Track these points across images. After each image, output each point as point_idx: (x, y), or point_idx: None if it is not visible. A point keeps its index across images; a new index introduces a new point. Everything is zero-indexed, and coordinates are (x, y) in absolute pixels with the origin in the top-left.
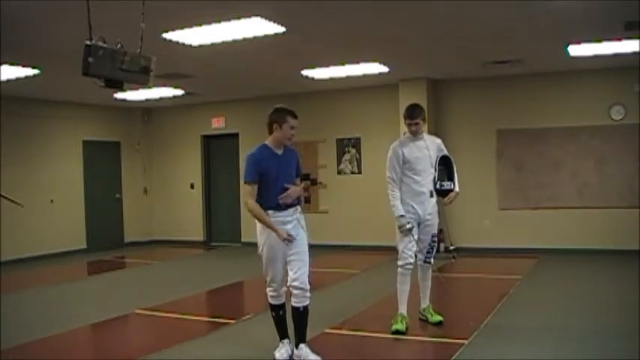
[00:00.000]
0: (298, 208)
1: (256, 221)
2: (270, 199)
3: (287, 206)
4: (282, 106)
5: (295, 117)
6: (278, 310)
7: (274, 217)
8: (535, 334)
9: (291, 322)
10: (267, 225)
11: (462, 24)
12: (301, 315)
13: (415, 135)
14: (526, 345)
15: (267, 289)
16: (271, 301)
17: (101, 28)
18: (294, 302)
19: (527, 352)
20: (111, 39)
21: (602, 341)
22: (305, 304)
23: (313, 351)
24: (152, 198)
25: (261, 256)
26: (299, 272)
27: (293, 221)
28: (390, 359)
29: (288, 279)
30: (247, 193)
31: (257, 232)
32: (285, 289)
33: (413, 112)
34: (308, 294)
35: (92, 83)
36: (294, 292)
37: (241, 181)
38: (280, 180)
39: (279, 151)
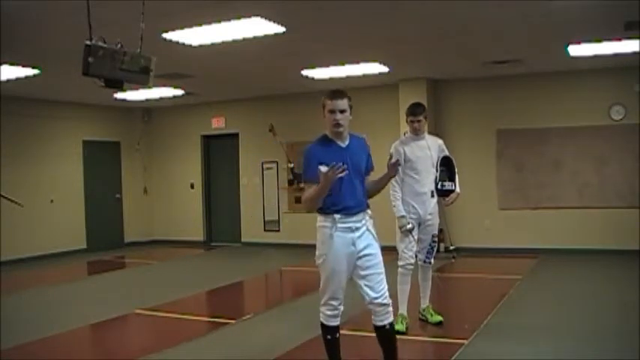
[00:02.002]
0: (368, 211)
1: (317, 226)
2: (336, 202)
3: (356, 210)
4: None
5: (333, 97)
6: (334, 333)
7: (341, 223)
8: (535, 334)
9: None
10: (318, 194)
11: (462, 24)
12: (389, 334)
13: (417, 133)
14: (526, 345)
15: (323, 307)
16: (326, 321)
17: (101, 28)
18: (378, 321)
19: (527, 352)
20: (111, 39)
21: (602, 341)
22: (390, 320)
23: None
24: (152, 198)
25: (319, 268)
26: (379, 287)
27: (362, 228)
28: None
29: (367, 297)
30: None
31: (317, 239)
32: (343, 307)
33: (416, 109)
34: (390, 308)
35: (92, 83)
36: (377, 309)
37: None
38: (347, 178)
39: (343, 143)
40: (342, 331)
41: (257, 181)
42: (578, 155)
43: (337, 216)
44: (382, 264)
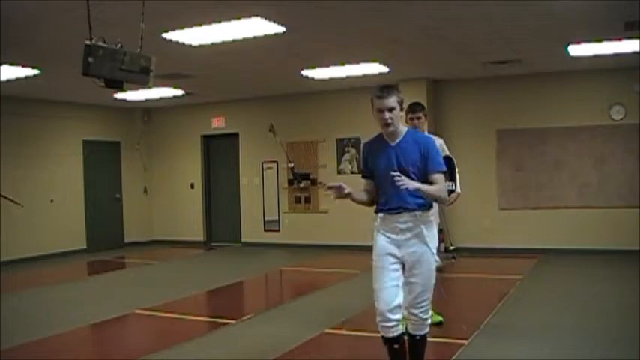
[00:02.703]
0: (420, 214)
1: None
2: (382, 201)
3: (399, 211)
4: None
5: (380, 96)
6: (392, 344)
7: (384, 224)
8: (535, 333)
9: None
10: (352, 199)
11: (461, 24)
12: (417, 344)
13: (416, 130)
14: (526, 345)
15: (377, 316)
16: (382, 332)
17: (101, 28)
18: (410, 329)
19: (527, 352)
20: (111, 39)
21: (602, 341)
22: (423, 332)
23: None
24: (152, 198)
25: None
26: (419, 298)
27: (408, 231)
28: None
29: (407, 305)
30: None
31: None
32: (399, 315)
33: (415, 107)
34: (428, 321)
35: (92, 83)
36: (411, 317)
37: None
38: (390, 177)
39: (393, 141)
40: (341, 331)
41: (257, 181)
42: (578, 155)
43: (381, 215)
44: (430, 276)
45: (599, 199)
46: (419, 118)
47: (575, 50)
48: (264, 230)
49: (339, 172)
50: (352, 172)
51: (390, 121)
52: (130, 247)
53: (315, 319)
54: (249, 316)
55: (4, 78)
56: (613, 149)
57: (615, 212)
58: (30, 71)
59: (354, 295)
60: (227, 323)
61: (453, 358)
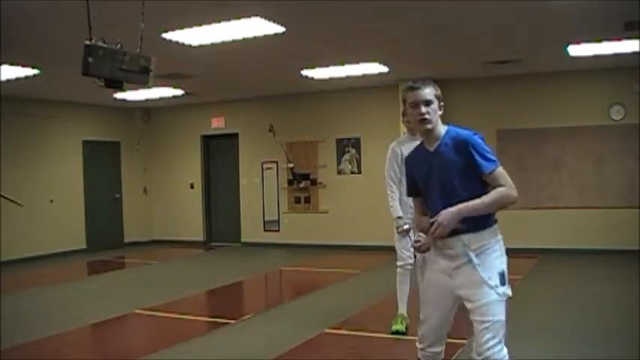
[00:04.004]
0: (473, 236)
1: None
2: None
3: (450, 232)
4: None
5: (414, 87)
6: None
7: (434, 247)
8: (535, 334)
9: None
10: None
11: (461, 24)
12: None
13: (413, 132)
14: (526, 345)
15: (417, 343)
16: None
17: (101, 28)
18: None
19: (527, 352)
20: (111, 39)
21: (602, 341)
22: None
23: None
24: (152, 198)
25: None
26: (480, 340)
27: (461, 257)
28: (389, 359)
29: (474, 350)
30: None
31: None
32: (442, 348)
33: None
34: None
35: (92, 83)
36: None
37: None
38: (432, 191)
39: (431, 146)
40: (341, 331)
41: (257, 181)
42: (578, 155)
43: (424, 236)
44: (489, 312)
45: (599, 199)
46: None
47: (575, 50)
48: (264, 230)
49: (338, 172)
50: (352, 172)
51: (427, 116)
52: (130, 247)
53: (315, 319)
54: (248, 316)
55: (4, 78)
56: (613, 149)
57: (615, 212)
58: (30, 71)
59: (354, 295)
60: (227, 323)
61: (453, 358)
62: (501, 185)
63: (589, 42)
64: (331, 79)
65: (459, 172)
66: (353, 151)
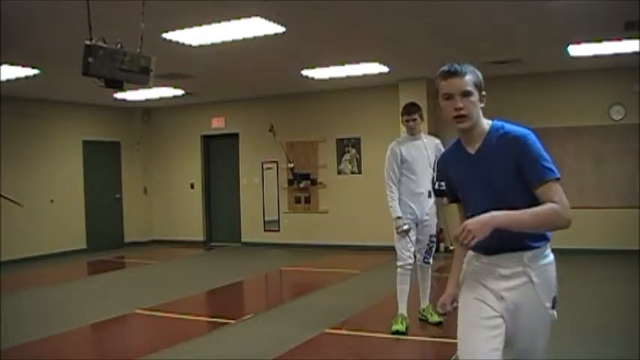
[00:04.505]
0: (532, 254)
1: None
2: None
3: (503, 249)
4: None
5: (449, 74)
6: None
7: (478, 263)
8: None
9: None
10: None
11: (461, 24)
12: None
13: (413, 132)
14: None
15: None
16: None
17: (101, 28)
18: None
19: None
20: (111, 39)
21: (601, 341)
22: None
23: None
24: (152, 198)
25: None
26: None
27: (516, 279)
28: (390, 359)
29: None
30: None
31: None
32: None
33: (410, 108)
34: None
35: (92, 83)
36: None
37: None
38: (475, 202)
39: (473, 147)
40: (341, 331)
41: (257, 181)
42: (578, 155)
43: (471, 253)
44: (544, 342)
45: (599, 199)
46: (414, 120)
47: (575, 50)
48: (264, 230)
49: (339, 172)
50: (352, 172)
51: (463, 111)
52: (130, 247)
53: (315, 319)
54: (249, 316)
55: (4, 78)
56: (613, 149)
57: (615, 212)
58: (30, 71)
59: (354, 295)
60: (227, 323)
61: (453, 358)
62: (554, 202)
63: (589, 42)
64: (331, 79)
65: (510, 179)
66: (353, 151)
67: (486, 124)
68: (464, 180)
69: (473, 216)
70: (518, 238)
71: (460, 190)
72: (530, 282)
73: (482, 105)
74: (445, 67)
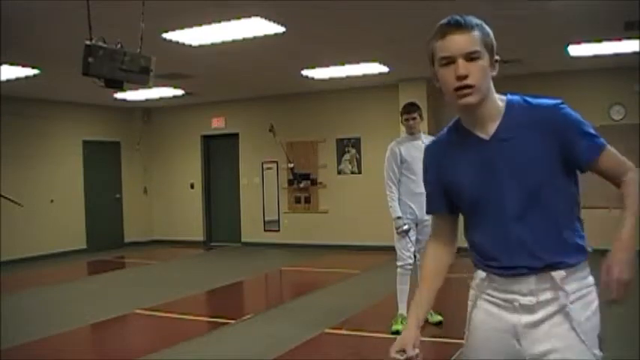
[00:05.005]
0: (567, 274)
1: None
2: (483, 247)
3: (522, 271)
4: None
5: (446, 30)
6: None
7: (491, 289)
8: None
9: None
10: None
11: None
12: None
13: (412, 132)
14: None
15: None
16: None
17: (101, 28)
18: None
19: None
20: (111, 39)
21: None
22: None
23: None
24: (152, 198)
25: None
26: None
27: (543, 308)
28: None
29: None
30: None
31: None
32: None
33: (410, 108)
34: None
35: (92, 83)
36: None
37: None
38: (496, 205)
39: (486, 131)
40: (341, 331)
41: (257, 181)
42: None
43: (482, 275)
44: None
45: (599, 199)
46: (414, 119)
47: (575, 50)
48: (264, 230)
49: (339, 172)
50: (352, 172)
51: (469, 80)
52: (130, 247)
53: (315, 319)
54: (249, 316)
55: (4, 78)
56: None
57: (615, 212)
58: (30, 71)
59: (354, 295)
60: (227, 323)
61: (453, 358)
62: (627, 170)
63: (589, 42)
64: (331, 79)
65: (548, 168)
66: (353, 151)
67: (500, 100)
68: (476, 177)
69: (486, 229)
70: (544, 248)
71: (463, 195)
72: (565, 315)
73: (495, 73)
74: (444, 21)
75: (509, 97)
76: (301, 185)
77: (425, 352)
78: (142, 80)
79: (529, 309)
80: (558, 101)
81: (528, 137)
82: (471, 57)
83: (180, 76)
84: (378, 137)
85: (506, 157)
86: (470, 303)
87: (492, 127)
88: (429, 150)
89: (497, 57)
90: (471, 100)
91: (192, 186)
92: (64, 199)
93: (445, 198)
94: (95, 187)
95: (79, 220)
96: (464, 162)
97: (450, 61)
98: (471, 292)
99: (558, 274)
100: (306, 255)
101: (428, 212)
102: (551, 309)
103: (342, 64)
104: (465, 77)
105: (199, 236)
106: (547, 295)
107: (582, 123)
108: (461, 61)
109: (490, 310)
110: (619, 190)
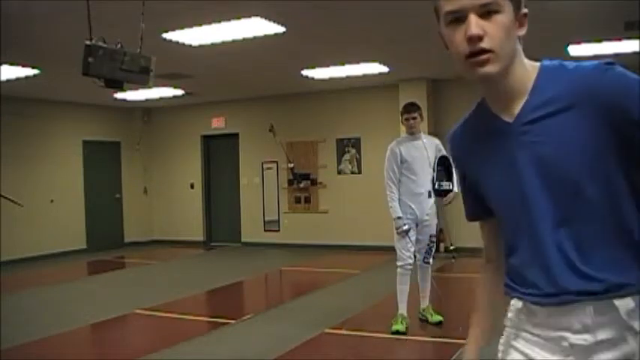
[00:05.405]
0: (631, 300)
1: None
2: (513, 270)
3: (576, 294)
4: None
5: None
6: None
7: (530, 321)
8: None
9: None
10: None
11: None
12: None
13: (412, 131)
14: None
15: None
16: None
17: (101, 28)
18: None
19: None
20: (111, 39)
21: None
22: None
23: None
24: (152, 198)
25: None
26: None
27: (608, 348)
28: (390, 359)
29: None
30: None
31: None
32: None
33: (410, 107)
34: None
35: (92, 83)
36: None
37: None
38: (525, 206)
39: (510, 112)
40: (341, 331)
41: (257, 181)
42: None
43: (518, 305)
44: None
45: None
46: (414, 118)
47: (575, 50)
48: (264, 230)
49: (339, 172)
50: (352, 172)
51: (485, 43)
52: (130, 247)
53: (315, 319)
54: (249, 316)
55: (4, 78)
56: None
57: None
58: (30, 71)
59: (354, 295)
60: (227, 323)
61: (453, 358)
62: None
63: (589, 42)
64: (331, 79)
65: (588, 157)
66: (353, 151)
67: (531, 67)
68: (498, 178)
69: (518, 254)
70: (598, 264)
71: (492, 201)
72: (629, 351)
73: (523, 32)
74: None
75: (545, 62)
76: (301, 185)
77: (425, 353)
78: (142, 80)
79: (584, 350)
80: (604, 61)
81: (565, 117)
82: (487, 10)
83: (180, 76)
84: (378, 137)
85: (533, 144)
86: (501, 343)
87: (517, 106)
88: (451, 140)
89: (524, 9)
90: (489, 69)
91: (192, 186)
92: (64, 199)
93: (478, 201)
94: (95, 187)
95: (79, 220)
96: (486, 155)
97: (458, 16)
98: (505, 331)
99: (625, 304)
100: (306, 255)
101: (469, 220)
102: (615, 354)
103: (342, 64)
104: (480, 39)
105: (199, 236)
106: (608, 332)
107: None
108: (473, 17)
109: (529, 355)
110: None
